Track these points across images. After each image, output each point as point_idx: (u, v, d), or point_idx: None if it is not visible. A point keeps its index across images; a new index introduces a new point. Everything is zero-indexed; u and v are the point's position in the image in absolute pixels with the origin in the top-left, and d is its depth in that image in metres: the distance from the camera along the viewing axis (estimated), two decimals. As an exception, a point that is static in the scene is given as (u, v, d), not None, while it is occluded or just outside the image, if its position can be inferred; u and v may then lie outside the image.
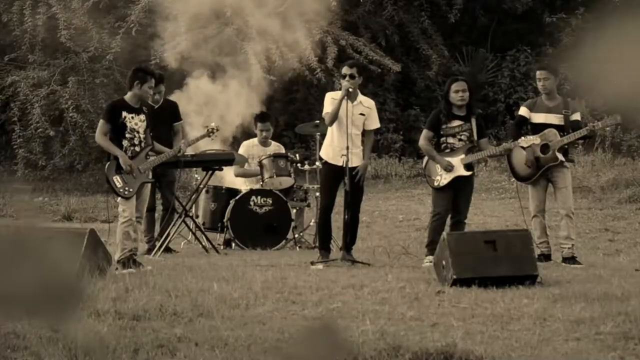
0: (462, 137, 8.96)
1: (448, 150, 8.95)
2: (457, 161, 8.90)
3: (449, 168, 8.86)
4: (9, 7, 17.96)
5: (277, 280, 7.31)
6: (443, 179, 8.90)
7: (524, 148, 9.02)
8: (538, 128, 9.11)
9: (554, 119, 9.10)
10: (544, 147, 9.04)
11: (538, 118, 9.15)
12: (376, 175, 17.86)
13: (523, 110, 9.28)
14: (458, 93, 8.91)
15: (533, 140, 8.92)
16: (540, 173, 9.10)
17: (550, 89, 9.18)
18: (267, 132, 11.18)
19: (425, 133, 9.10)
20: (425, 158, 9.13)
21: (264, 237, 10.47)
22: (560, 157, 9.04)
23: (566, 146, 9.11)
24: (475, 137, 8.96)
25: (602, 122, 9.40)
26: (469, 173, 8.93)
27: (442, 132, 8.97)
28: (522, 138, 8.96)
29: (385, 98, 19.75)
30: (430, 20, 19.87)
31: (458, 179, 8.88)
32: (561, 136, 9.03)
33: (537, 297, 6.58)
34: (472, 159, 8.95)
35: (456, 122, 8.96)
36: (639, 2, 19.45)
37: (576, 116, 9.19)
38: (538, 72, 9.32)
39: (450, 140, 8.96)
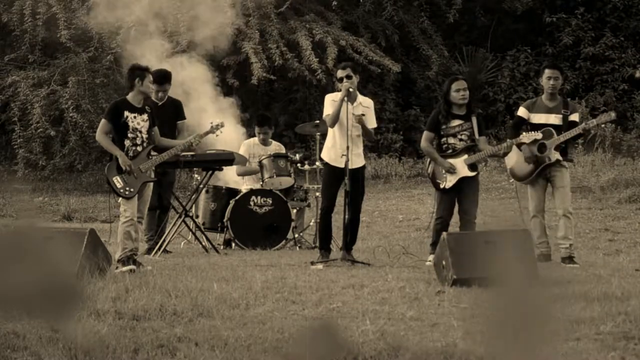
0: (463, 136, 8.93)
1: (450, 151, 8.93)
2: (460, 162, 8.87)
3: (451, 170, 8.83)
4: (9, 7, 17.97)
5: (277, 280, 7.31)
6: (448, 181, 8.86)
7: (527, 144, 9.01)
8: (538, 128, 9.09)
9: (554, 119, 9.09)
10: (541, 146, 9.04)
11: (538, 119, 9.13)
12: (376, 175, 17.86)
13: (521, 111, 9.26)
14: (459, 92, 8.89)
15: (535, 135, 8.90)
16: (538, 172, 9.10)
17: (557, 89, 9.17)
18: (265, 135, 11.22)
19: (425, 134, 9.07)
20: (429, 161, 9.11)
21: (264, 237, 10.47)
22: (557, 156, 9.04)
23: (563, 145, 9.10)
24: (477, 136, 8.94)
25: (597, 119, 9.40)
26: (473, 173, 8.90)
27: (442, 133, 8.95)
28: (524, 134, 8.95)
29: (385, 98, 19.76)
30: (430, 20, 19.88)
31: (463, 180, 8.86)
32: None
33: (537, 297, 6.56)
34: (475, 159, 8.92)
35: (456, 122, 8.93)
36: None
37: (574, 117, 9.18)
38: (549, 71, 9.18)
39: (451, 140, 8.93)
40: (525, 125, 9.22)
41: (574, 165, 14.53)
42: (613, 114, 9.28)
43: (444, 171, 8.88)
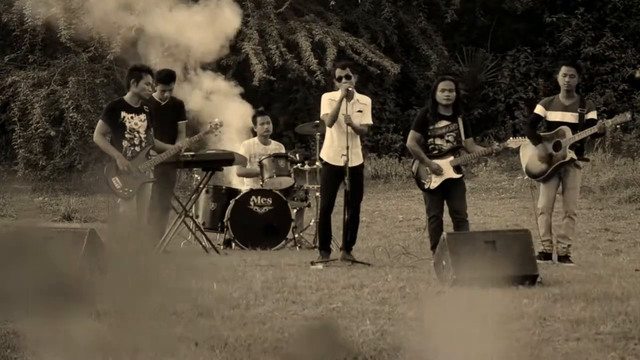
0: (449, 138, 8.93)
1: (436, 152, 8.92)
2: (446, 163, 8.88)
3: (438, 171, 8.83)
4: (9, 7, 17.97)
5: (277, 280, 7.31)
6: (433, 181, 8.87)
7: (543, 142, 9.04)
8: (554, 126, 9.09)
9: (571, 117, 9.07)
10: (556, 145, 9.03)
11: (555, 116, 9.13)
12: (376, 175, 17.84)
13: (539, 109, 9.25)
14: (444, 92, 8.87)
15: (521, 141, 8.96)
16: (552, 170, 9.07)
17: (573, 87, 9.15)
18: (267, 125, 11.16)
19: (412, 134, 9.06)
20: (414, 160, 9.12)
21: (264, 237, 10.46)
22: (572, 154, 9.01)
23: (578, 144, 9.08)
24: (463, 137, 8.95)
25: (612, 120, 9.37)
26: (458, 175, 8.91)
27: (429, 133, 8.94)
28: (511, 139, 9.01)
29: (385, 98, 19.77)
30: (429, 20, 19.88)
31: (448, 181, 8.87)
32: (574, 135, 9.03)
33: (537, 297, 6.57)
34: (460, 161, 8.94)
35: (443, 123, 8.93)
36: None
37: (592, 115, 9.15)
38: (565, 68, 9.15)
39: (438, 141, 8.93)
40: (540, 122, 9.25)
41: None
42: (629, 115, 9.31)
43: (429, 172, 8.88)
